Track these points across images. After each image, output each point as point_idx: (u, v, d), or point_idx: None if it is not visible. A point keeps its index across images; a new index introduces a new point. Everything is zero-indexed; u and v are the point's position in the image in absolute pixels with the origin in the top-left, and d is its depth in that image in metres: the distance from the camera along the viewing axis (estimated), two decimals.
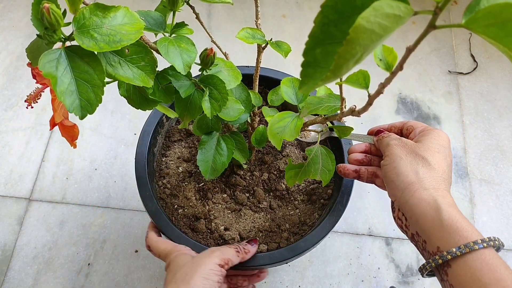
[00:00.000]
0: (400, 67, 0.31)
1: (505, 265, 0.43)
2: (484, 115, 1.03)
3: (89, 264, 0.83)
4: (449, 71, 1.09)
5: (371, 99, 0.40)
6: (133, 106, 0.50)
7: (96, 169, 0.92)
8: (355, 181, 0.64)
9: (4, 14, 1.13)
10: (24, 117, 0.98)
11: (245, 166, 0.72)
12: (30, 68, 0.46)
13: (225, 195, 0.71)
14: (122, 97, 0.49)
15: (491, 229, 0.90)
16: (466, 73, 1.09)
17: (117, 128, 0.98)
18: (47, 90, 0.47)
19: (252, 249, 0.60)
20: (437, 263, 0.45)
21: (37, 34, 0.39)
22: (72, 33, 0.38)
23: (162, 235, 0.63)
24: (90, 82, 0.39)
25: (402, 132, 0.59)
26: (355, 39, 0.22)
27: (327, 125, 0.59)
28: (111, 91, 0.55)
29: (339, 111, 0.50)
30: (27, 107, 0.50)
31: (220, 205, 0.71)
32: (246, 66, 0.73)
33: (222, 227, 0.69)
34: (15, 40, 1.09)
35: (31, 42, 0.42)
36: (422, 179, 0.49)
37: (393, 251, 0.86)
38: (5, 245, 0.84)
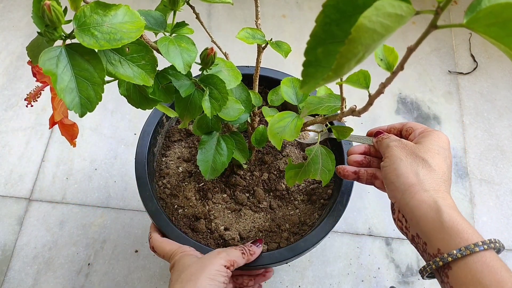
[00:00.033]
0: (401, 67, 0.31)
1: (506, 267, 0.42)
2: (484, 115, 1.03)
3: (89, 264, 0.83)
4: (449, 71, 1.09)
5: (371, 99, 0.40)
6: (133, 105, 0.50)
7: (96, 169, 0.92)
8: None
9: (4, 14, 1.13)
10: (24, 117, 0.98)
11: (245, 166, 0.72)
12: (30, 67, 0.46)
13: (225, 195, 0.71)
14: (122, 96, 0.49)
15: (491, 229, 0.90)
16: (466, 73, 1.09)
17: (117, 128, 0.98)
18: (47, 89, 0.47)
19: (257, 250, 0.60)
20: (438, 265, 0.45)
21: (37, 32, 0.39)
22: (72, 31, 0.38)
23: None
24: (90, 80, 0.39)
25: (402, 133, 0.59)
26: (357, 38, 0.22)
27: (327, 125, 0.59)
28: (111, 91, 0.56)
29: (339, 111, 0.50)
30: (26, 106, 0.50)
31: (220, 205, 0.71)
32: (246, 66, 0.73)
33: (222, 227, 0.69)
34: (15, 40, 1.09)
35: (32, 40, 0.42)
36: (423, 181, 0.49)
37: (393, 251, 0.86)
38: (5, 245, 0.84)
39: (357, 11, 0.24)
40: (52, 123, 0.48)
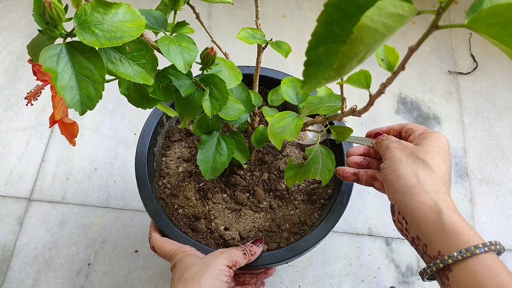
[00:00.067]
0: (402, 67, 0.31)
1: (507, 270, 0.42)
2: (484, 115, 1.03)
3: (89, 264, 0.83)
4: (449, 71, 1.09)
5: (372, 99, 0.40)
6: (133, 105, 0.50)
7: (96, 169, 0.92)
8: None
9: (4, 14, 1.13)
10: (24, 117, 0.98)
11: (245, 166, 0.72)
12: (30, 68, 0.46)
13: (225, 195, 0.71)
14: (123, 95, 0.49)
15: (491, 229, 0.90)
16: (466, 73, 1.09)
17: (117, 128, 0.98)
18: (48, 89, 0.47)
19: (257, 250, 0.61)
20: (438, 267, 0.45)
21: (38, 29, 0.39)
22: (73, 29, 0.38)
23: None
24: (91, 78, 0.39)
25: (401, 134, 0.59)
26: (359, 38, 0.22)
27: (327, 125, 0.59)
28: (111, 91, 0.55)
29: (339, 111, 0.50)
30: (27, 104, 0.50)
31: (220, 205, 0.71)
32: (246, 66, 0.73)
33: (222, 227, 0.69)
34: (15, 40, 1.09)
35: (33, 39, 0.42)
36: (423, 182, 0.49)
37: (393, 251, 0.86)
38: (5, 245, 0.84)
39: (358, 10, 0.24)
40: (52, 122, 0.48)
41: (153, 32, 0.49)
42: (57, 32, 0.38)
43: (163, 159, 0.74)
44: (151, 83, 0.44)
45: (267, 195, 0.72)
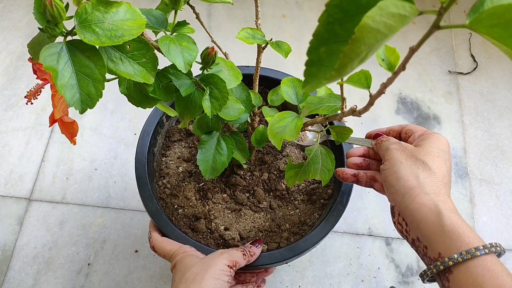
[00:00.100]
0: (403, 67, 0.31)
1: (507, 272, 0.42)
2: (484, 115, 1.03)
3: (89, 264, 0.83)
4: (449, 71, 1.09)
5: (372, 99, 0.40)
6: (133, 104, 0.50)
7: (96, 169, 0.92)
8: None
9: (4, 14, 1.13)
10: (24, 117, 0.98)
11: (245, 166, 0.72)
12: (30, 68, 0.46)
13: (225, 195, 0.71)
14: (123, 95, 0.49)
15: (491, 229, 0.90)
16: (466, 73, 1.09)
17: (117, 128, 0.98)
18: (48, 88, 0.47)
19: (257, 251, 0.61)
20: (439, 269, 0.44)
21: (39, 28, 0.39)
22: (74, 28, 0.38)
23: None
24: (91, 77, 0.39)
25: (401, 135, 0.59)
26: (360, 38, 0.22)
27: (326, 125, 0.59)
28: (111, 91, 0.55)
29: (339, 111, 0.50)
30: (26, 103, 0.50)
31: (220, 205, 0.71)
32: (246, 66, 0.73)
33: (222, 227, 0.69)
34: (15, 40, 1.09)
35: (33, 38, 0.42)
36: (423, 184, 0.48)
37: (393, 251, 0.86)
38: (5, 245, 0.84)
39: (360, 10, 0.24)
40: (52, 121, 0.48)
41: (153, 31, 0.49)
42: (57, 30, 0.38)
43: (163, 159, 0.74)
44: (151, 82, 0.44)
45: (267, 195, 0.72)
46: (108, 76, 0.41)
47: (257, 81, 0.63)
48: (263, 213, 0.70)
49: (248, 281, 0.64)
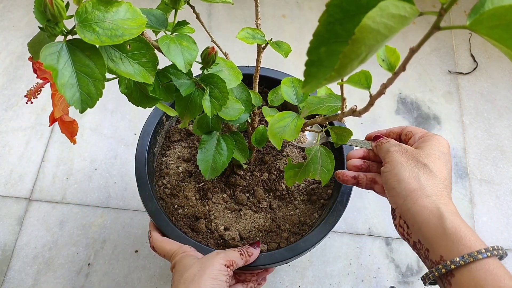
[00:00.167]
0: (403, 67, 0.31)
1: (509, 275, 0.42)
2: (484, 115, 1.03)
3: (89, 264, 0.83)
4: (449, 71, 1.09)
5: (372, 100, 0.40)
6: (134, 104, 0.50)
7: (96, 169, 0.92)
8: None
9: (4, 14, 1.13)
10: (24, 117, 0.98)
11: (245, 166, 0.72)
12: (30, 68, 0.46)
13: (225, 195, 0.71)
14: (123, 94, 0.49)
15: (491, 229, 0.90)
16: (466, 73, 1.09)
17: (117, 128, 0.98)
18: (48, 88, 0.47)
19: (255, 252, 0.61)
20: (441, 272, 0.44)
21: (39, 27, 0.39)
22: (74, 27, 0.38)
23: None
24: (91, 76, 0.39)
25: (401, 137, 0.59)
26: (360, 38, 0.22)
27: (326, 125, 0.59)
28: (111, 90, 0.55)
29: (339, 111, 0.50)
30: (26, 102, 0.50)
31: (220, 205, 0.71)
32: (246, 66, 0.73)
33: (222, 227, 0.69)
34: (15, 40, 1.09)
35: (33, 37, 0.42)
36: (424, 186, 0.48)
37: (393, 251, 0.86)
38: (5, 245, 0.84)
39: (360, 10, 0.24)
40: (52, 120, 0.48)
41: (154, 31, 0.49)
42: (58, 29, 0.38)
43: (163, 159, 0.74)
44: (151, 82, 0.44)
45: (267, 195, 0.72)
46: (108, 75, 0.41)
47: (257, 81, 0.63)
48: (263, 213, 0.70)
49: (248, 280, 0.64)
